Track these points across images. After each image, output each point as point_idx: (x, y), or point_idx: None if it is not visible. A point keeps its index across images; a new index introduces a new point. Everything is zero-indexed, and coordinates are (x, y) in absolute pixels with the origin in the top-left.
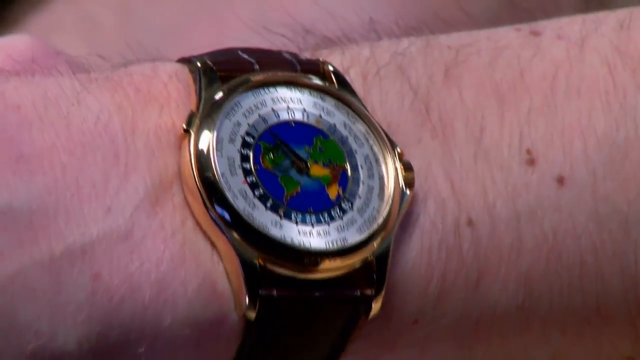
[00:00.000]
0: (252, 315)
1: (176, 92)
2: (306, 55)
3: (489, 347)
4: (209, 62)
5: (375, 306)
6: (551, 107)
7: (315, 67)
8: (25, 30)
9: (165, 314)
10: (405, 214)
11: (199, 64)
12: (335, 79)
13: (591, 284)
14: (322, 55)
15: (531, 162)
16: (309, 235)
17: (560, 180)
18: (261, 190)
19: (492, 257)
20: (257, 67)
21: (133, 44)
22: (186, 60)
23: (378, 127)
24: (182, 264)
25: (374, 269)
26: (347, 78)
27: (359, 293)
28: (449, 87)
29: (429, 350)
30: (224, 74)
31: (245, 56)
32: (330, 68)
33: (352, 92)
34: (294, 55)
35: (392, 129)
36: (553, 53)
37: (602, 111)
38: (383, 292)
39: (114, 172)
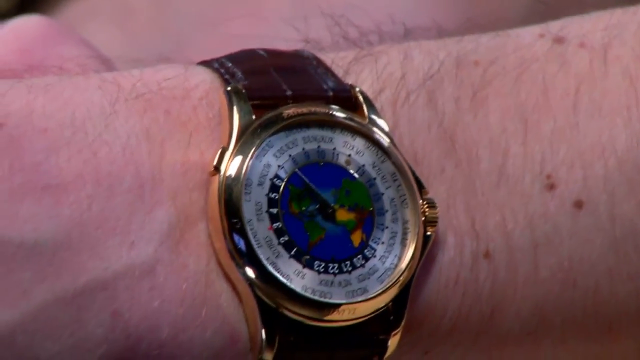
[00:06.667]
0: (269, 358)
1: (206, 120)
2: (339, 66)
3: None
4: (240, 88)
5: (391, 347)
6: (573, 127)
7: (347, 95)
8: (61, 18)
9: (182, 355)
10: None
11: (229, 89)
12: (366, 106)
13: (605, 308)
14: (354, 74)
15: (551, 187)
16: (330, 286)
17: (579, 205)
18: (286, 237)
19: (507, 289)
20: (289, 92)
21: (167, 33)
22: (217, 71)
23: (405, 166)
24: (202, 306)
25: (391, 313)
26: (377, 105)
27: (375, 338)
28: (475, 112)
29: None
30: (257, 102)
31: (277, 78)
32: (361, 96)
33: (380, 116)
34: (325, 74)
35: (418, 159)
36: (577, 65)
37: (624, 128)
38: (399, 335)
39: (138, 205)
